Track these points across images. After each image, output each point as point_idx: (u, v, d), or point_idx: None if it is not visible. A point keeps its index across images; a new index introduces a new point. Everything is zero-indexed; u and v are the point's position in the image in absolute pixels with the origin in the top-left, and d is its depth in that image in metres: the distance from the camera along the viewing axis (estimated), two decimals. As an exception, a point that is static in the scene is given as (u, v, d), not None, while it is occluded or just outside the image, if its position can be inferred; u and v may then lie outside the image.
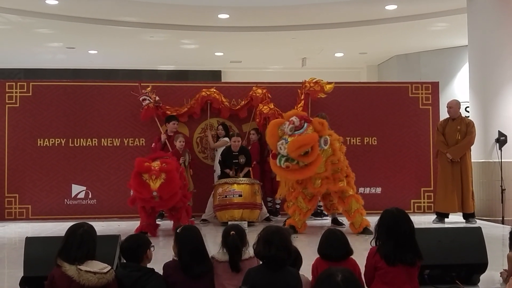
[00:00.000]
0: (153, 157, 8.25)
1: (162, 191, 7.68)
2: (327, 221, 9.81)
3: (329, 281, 2.54)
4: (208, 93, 10.37)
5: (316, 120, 8.03)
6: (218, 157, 10.00)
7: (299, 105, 10.21)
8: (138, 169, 7.79)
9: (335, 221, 9.17)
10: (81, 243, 3.83)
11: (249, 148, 10.10)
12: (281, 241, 3.90)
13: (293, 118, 7.74)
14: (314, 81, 10.32)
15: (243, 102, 10.56)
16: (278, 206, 10.38)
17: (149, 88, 10.24)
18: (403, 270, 3.96)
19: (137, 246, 4.19)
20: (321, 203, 9.69)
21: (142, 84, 10.45)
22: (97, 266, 3.81)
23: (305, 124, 7.74)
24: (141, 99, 10.16)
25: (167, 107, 10.40)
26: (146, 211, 8.22)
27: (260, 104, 10.25)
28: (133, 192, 8.07)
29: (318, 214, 10.01)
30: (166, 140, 9.87)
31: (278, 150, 7.69)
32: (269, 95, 10.43)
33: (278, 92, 10.80)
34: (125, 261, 4.23)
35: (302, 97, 10.37)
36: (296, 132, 7.65)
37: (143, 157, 10.22)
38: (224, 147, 9.94)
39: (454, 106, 9.71)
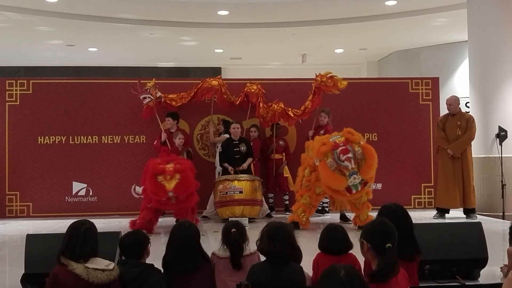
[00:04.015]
0: (167, 160, 8.26)
1: (177, 190, 7.77)
2: (328, 217, 9.85)
3: (333, 277, 2.55)
4: (212, 83, 10.13)
5: (346, 133, 8.04)
6: (218, 151, 9.99)
7: (307, 100, 10.08)
8: (153, 171, 7.83)
9: (343, 217, 9.17)
10: (84, 241, 3.82)
11: (251, 144, 10.08)
12: (285, 236, 3.93)
13: (347, 155, 7.69)
14: (329, 75, 9.75)
15: (238, 99, 10.35)
16: (287, 203, 10.34)
17: (151, 83, 10.05)
18: (401, 266, 3.96)
19: (139, 243, 4.19)
20: (326, 200, 9.71)
21: (141, 81, 10.32)
22: (102, 263, 3.82)
23: (350, 147, 7.78)
24: (141, 97, 10.00)
25: (170, 96, 10.27)
26: (153, 211, 8.25)
27: (271, 104, 10.18)
28: (148, 193, 8.02)
29: (319, 210, 10.03)
30: (166, 138, 9.86)
31: (352, 183, 7.70)
32: (263, 90, 10.37)
33: (278, 89, 10.80)
34: (124, 258, 4.24)
35: (313, 91, 9.98)
36: (352, 158, 7.73)
37: (143, 155, 10.40)
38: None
39: (453, 103, 9.71)
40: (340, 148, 7.74)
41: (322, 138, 8.31)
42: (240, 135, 9.79)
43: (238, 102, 10.36)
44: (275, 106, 10.13)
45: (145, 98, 9.99)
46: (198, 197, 8.58)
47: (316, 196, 8.41)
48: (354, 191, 7.76)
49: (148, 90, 9.97)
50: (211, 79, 10.31)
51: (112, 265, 3.84)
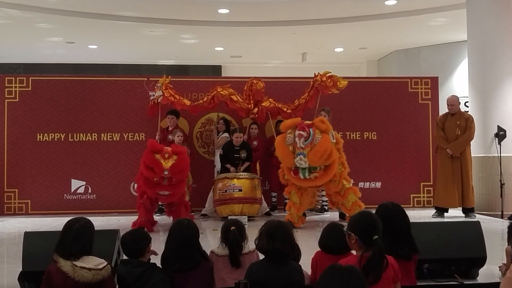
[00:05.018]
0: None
1: (173, 170, 7.82)
2: (327, 216, 9.85)
3: (335, 277, 2.55)
4: (222, 93, 9.87)
5: (317, 120, 8.03)
6: (219, 152, 9.99)
7: (301, 97, 10.04)
8: (151, 148, 7.92)
9: (342, 216, 9.16)
10: (76, 238, 3.78)
11: (255, 143, 10.09)
12: (284, 235, 3.94)
13: (301, 132, 7.70)
14: (328, 75, 9.63)
15: (246, 98, 10.11)
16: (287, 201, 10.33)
17: (163, 81, 9.86)
18: (399, 265, 3.95)
19: (140, 241, 4.19)
20: (325, 198, 9.70)
21: (142, 79, 10.29)
22: (93, 262, 3.76)
23: (311, 130, 7.75)
24: (150, 93, 10.03)
25: (184, 100, 10.06)
26: (145, 207, 8.24)
27: (259, 102, 10.12)
28: (142, 172, 7.97)
29: (319, 209, 10.02)
30: (161, 137, 9.90)
31: (298, 165, 7.72)
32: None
33: (278, 87, 10.79)
34: (125, 256, 4.23)
35: (309, 90, 9.90)
36: (307, 142, 7.68)
37: (142, 152, 10.28)
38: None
39: (455, 103, 9.71)
40: (299, 126, 7.80)
41: None
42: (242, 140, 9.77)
43: (248, 103, 10.09)
44: (264, 102, 10.06)
45: (151, 95, 10.03)
46: (189, 202, 8.82)
47: (302, 192, 8.36)
48: (301, 177, 7.78)
49: (157, 89, 9.89)
50: (222, 89, 9.96)
51: (103, 264, 3.77)
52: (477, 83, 10.71)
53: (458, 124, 9.54)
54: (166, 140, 9.75)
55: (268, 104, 10.01)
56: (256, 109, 10.07)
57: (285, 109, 9.99)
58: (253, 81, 10.10)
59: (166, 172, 7.77)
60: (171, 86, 9.97)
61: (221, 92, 9.89)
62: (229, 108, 10.25)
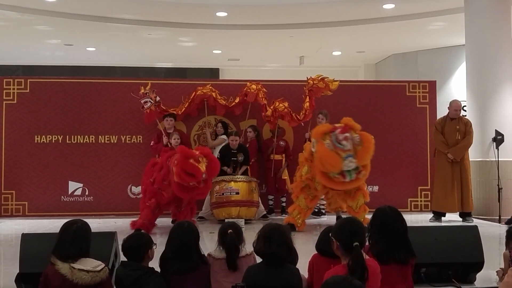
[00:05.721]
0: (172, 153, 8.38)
1: (208, 172, 7.94)
2: (324, 219, 9.84)
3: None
4: (204, 91, 10.21)
5: (346, 120, 7.92)
6: (216, 154, 9.97)
7: (305, 103, 10.08)
8: (184, 154, 7.90)
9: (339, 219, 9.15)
10: (73, 240, 3.78)
11: (247, 146, 10.10)
12: (281, 237, 3.93)
13: (346, 134, 7.56)
14: (320, 78, 9.82)
15: (237, 99, 10.36)
16: (284, 204, 10.34)
17: (148, 87, 10.04)
18: (396, 269, 3.94)
19: (140, 245, 4.18)
20: (323, 202, 9.69)
21: (139, 81, 10.32)
22: (90, 264, 3.76)
23: (347, 133, 7.66)
24: (142, 101, 10.00)
25: (164, 108, 10.30)
26: (152, 210, 8.25)
27: (276, 101, 10.13)
28: (179, 178, 7.77)
29: (316, 212, 10.02)
30: (165, 139, 9.90)
31: (347, 168, 7.54)
32: (264, 89, 10.31)
33: (276, 90, 10.78)
34: (126, 259, 4.22)
35: (306, 94, 10.04)
36: (350, 138, 7.62)
37: (140, 155, 10.44)
38: (222, 145, 9.96)
39: (460, 109, 9.73)
40: (339, 129, 7.66)
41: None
42: (239, 143, 9.79)
43: (233, 104, 10.35)
44: (279, 105, 10.08)
45: (146, 102, 9.97)
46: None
47: (312, 198, 8.38)
48: (348, 179, 7.59)
49: (147, 94, 9.93)
50: (202, 87, 10.32)
51: (100, 266, 3.78)
52: (475, 87, 10.72)
53: (458, 129, 9.52)
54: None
55: (283, 108, 10.01)
56: (270, 110, 10.10)
57: (294, 117, 10.04)
58: (247, 84, 10.30)
59: (204, 175, 7.82)
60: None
61: (203, 90, 10.20)
62: (220, 112, 10.47)
